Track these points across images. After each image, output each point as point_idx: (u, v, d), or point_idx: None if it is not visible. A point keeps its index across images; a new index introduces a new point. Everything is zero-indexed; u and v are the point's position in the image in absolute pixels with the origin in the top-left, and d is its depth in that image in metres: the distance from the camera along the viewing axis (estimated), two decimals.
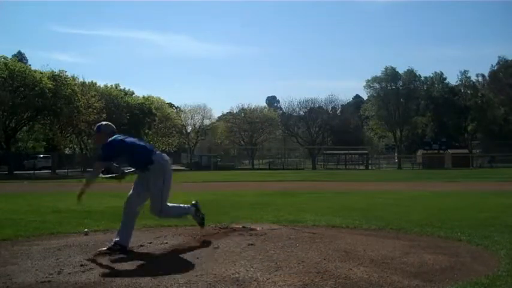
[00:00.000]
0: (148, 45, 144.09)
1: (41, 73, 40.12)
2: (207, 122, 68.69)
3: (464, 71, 67.46)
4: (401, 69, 65.86)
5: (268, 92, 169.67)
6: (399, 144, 64.65)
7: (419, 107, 66.74)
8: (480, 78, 67.85)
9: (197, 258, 4.23)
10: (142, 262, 4.17)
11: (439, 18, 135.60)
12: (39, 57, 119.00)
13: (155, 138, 61.09)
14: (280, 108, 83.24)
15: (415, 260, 4.34)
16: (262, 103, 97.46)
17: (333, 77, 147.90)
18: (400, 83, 65.08)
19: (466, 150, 60.10)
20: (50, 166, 43.61)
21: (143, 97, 57.68)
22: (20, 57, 58.53)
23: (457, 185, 18.49)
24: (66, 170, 41.47)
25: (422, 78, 67.78)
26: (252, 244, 4.63)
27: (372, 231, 6.30)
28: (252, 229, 5.53)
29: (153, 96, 60.22)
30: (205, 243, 4.78)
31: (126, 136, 5.16)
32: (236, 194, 14.25)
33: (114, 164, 5.11)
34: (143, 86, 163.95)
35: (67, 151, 54.79)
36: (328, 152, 65.07)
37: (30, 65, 45.58)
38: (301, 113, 71.23)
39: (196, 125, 67.46)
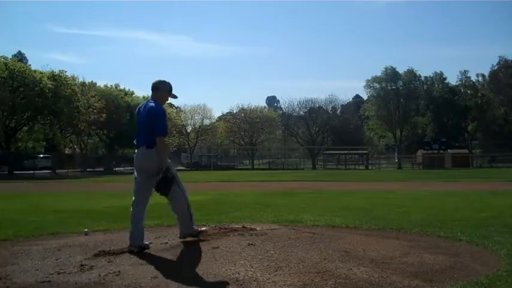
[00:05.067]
0: (149, 45, 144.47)
1: (41, 73, 40.10)
2: (207, 122, 68.57)
3: (464, 71, 67.48)
4: (401, 69, 65.89)
5: (268, 92, 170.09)
6: (399, 144, 64.62)
7: (419, 107, 66.69)
8: (480, 78, 67.85)
9: (197, 258, 4.23)
10: (142, 262, 4.17)
11: (439, 18, 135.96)
12: (39, 57, 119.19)
13: None
14: (280, 108, 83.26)
15: (415, 260, 4.33)
16: (262, 103, 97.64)
17: (333, 77, 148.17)
18: (400, 83, 65.03)
19: (466, 150, 60.08)
20: (50, 166, 43.58)
21: (143, 97, 57.67)
22: (20, 57, 58.56)
23: (457, 185, 18.47)
24: (66, 170, 41.45)
25: (422, 78, 67.73)
26: (252, 244, 4.62)
27: (372, 231, 6.29)
28: (252, 229, 5.53)
29: None
30: (205, 243, 4.77)
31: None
32: (236, 194, 14.25)
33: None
34: (143, 86, 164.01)
35: (67, 151, 54.79)
36: (328, 152, 65.07)
37: (30, 65, 45.58)
38: (301, 113, 71.29)
39: (196, 125, 67.45)
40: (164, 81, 4.88)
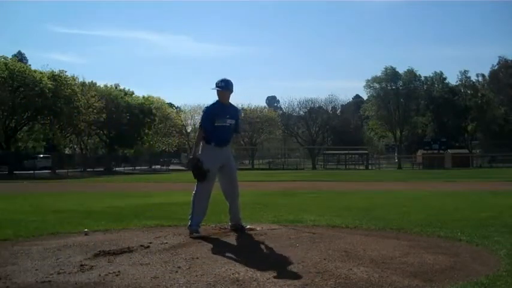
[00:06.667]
0: (149, 45, 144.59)
1: (41, 73, 40.10)
2: None
3: (464, 71, 67.55)
4: (401, 69, 65.93)
5: (268, 92, 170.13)
6: (399, 144, 64.63)
7: (419, 107, 66.72)
8: (480, 78, 67.90)
9: (197, 258, 4.23)
10: (142, 262, 4.17)
11: (439, 18, 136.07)
12: (39, 57, 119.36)
13: (155, 138, 61.07)
14: (280, 108, 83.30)
15: (415, 260, 4.33)
16: (262, 103, 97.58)
17: (333, 77, 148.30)
18: (400, 83, 65.05)
19: (466, 150, 60.13)
20: (50, 166, 43.57)
21: (143, 97, 57.68)
22: (20, 57, 58.57)
23: (457, 185, 18.46)
24: (66, 170, 41.43)
25: (422, 78, 67.75)
26: (252, 244, 4.62)
27: (372, 231, 6.29)
28: (252, 229, 5.54)
29: (153, 96, 60.26)
30: (205, 243, 4.78)
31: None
32: None
33: None
34: (143, 86, 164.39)
35: (67, 151, 54.79)
36: (328, 152, 65.11)
37: (30, 65, 45.58)
38: (301, 113, 71.35)
39: (196, 125, 67.38)
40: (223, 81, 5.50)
